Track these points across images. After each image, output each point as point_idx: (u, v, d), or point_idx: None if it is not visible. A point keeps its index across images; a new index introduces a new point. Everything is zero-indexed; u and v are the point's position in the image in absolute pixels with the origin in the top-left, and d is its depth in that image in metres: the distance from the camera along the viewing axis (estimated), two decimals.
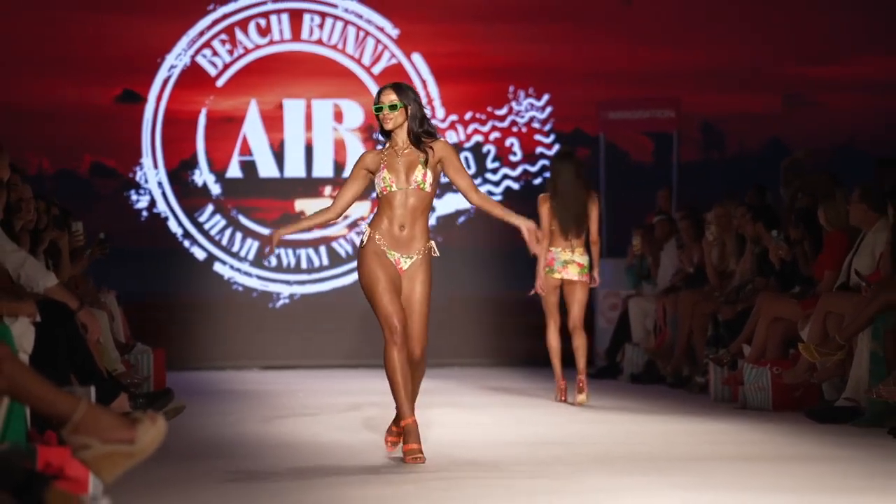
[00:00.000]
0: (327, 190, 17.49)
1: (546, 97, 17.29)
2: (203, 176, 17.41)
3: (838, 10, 17.49)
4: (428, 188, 8.48)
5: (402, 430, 8.48)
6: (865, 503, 6.94)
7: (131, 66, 17.15)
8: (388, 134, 8.62)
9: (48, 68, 17.06)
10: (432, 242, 8.61)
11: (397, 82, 8.76)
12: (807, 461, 8.63)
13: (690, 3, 17.17)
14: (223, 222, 17.44)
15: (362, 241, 8.53)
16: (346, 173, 17.10)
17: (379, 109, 8.58)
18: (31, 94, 17.03)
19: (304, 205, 17.47)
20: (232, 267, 17.45)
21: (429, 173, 8.48)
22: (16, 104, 16.77)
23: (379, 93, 8.68)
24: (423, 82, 17.39)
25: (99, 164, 17.36)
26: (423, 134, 8.53)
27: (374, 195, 8.65)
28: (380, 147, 8.78)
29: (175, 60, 17.35)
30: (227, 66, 17.39)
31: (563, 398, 12.70)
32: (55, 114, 17.04)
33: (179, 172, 17.37)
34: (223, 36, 17.38)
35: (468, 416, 11.57)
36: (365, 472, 8.10)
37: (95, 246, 12.40)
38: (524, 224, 8.43)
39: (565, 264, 12.54)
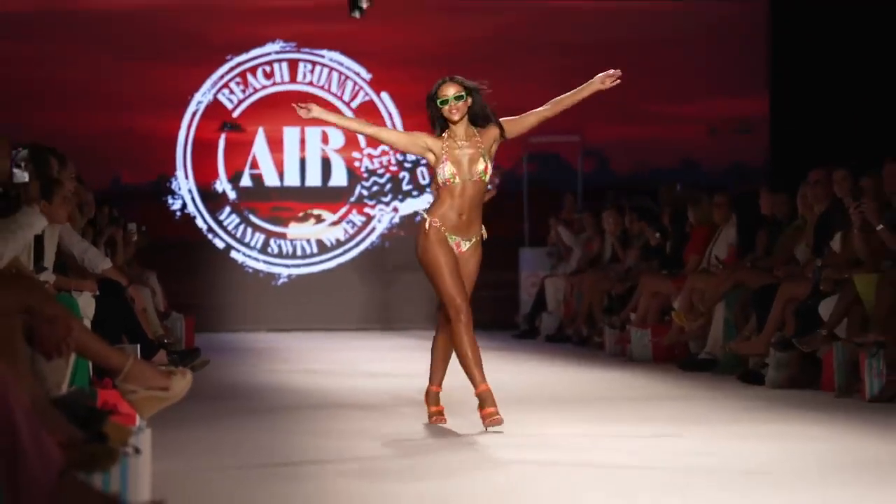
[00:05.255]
0: (335, 198, 17.47)
1: None
2: (222, 185, 17.37)
3: (702, 59, 17.57)
4: (486, 179, 7.07)
5: (478, 397, 6.95)
6: (720, 430, 7.01)
7: (166, 102, 17.12)
8: (443, 127, 7.12)
9: (104, 104, 17.01)
10: (483, 227, 7.20)
11: (453, 76, 7.19)
12: (677, 399, 8.71)
13: (590, 55, 17.21)
14: (237, 220, 17.41)
15: (423, 227, 7.09)
16: (333, 181, 17.36)
17: (445, 102, 7.03)
18: (95, 123, 16.98)
19: (301, 206, 17.46)
20: (244, 254, 17.42)
21: (489, 165, 7.07)
22: (77, 132, 16.69)
23: (439, 86, 7.09)
24: (390, 114, 17.41)
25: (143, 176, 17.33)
26: (490, 116, 7.14)
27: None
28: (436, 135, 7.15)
29: (201, 97, 17.31)
30: (240, 102, 17.36)
31: None
32: (112, 137, 17.01)
33: (204, 182, 17.34)
34: (238, 79, 17.35)
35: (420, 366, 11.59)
36: (339, 407, 8.14)
37: (138, 235, 12.40)
38: (598, 80, 7.38)
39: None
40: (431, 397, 7.41)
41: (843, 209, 9.54)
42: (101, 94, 17.00)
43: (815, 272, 9.42)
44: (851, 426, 7.11)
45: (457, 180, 7.01)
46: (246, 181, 17.38)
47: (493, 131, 7.14)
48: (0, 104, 16.13)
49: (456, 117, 7.04)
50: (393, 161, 17.42)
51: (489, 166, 7.06)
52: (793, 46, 17.15)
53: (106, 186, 16.31)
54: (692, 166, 17.54)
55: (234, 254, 17.41)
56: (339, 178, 17.50)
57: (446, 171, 7.01)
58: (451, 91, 7.05)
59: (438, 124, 7.12)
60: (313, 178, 17.49)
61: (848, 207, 9.17)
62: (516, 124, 7.24)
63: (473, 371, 6.97)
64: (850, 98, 16.75)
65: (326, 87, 17.41)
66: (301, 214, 17.51)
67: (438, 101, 7.05)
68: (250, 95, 17.34)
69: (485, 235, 7.20)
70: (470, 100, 7.08)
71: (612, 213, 14.33)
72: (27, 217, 7.08)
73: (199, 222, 17.33)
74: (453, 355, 7.26)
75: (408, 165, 17.45)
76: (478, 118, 7.12)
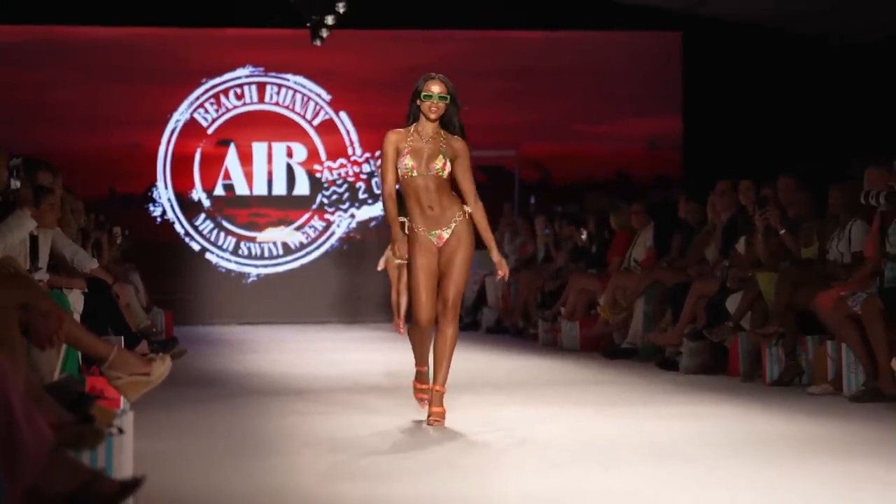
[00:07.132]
0: (299, 205, 17.40)
1: None
2: (198, 194, 17.28)
3: (618, 83, 17.65)
4: (445, 175, 6.29)
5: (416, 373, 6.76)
6: (640, 410, 7.06)
7: (149, 120, 17.02)
8: (414, 119, 6.39)
9: (98, 123, 16.89)
10: (466, 207, 6.40)
11: (443, 76, 6.43)
12: (602, 384, 8.74)
13: (530, 80, 17.26)
14: (211, 225, 17.31)
15: (408, 229, 6.40)
16: (297, 191, 17.30)
17: (428, 97, 6.31)
18: (91, 140, 16.86)
19: (266, 211, 17.38)
20: (217, 255, 17.32)
21: (448, 163, 6.27)
22: (75, 148, 16.58)
23: (427, 80, 6.36)
24: (347, 131, 17.38)
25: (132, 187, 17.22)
26: (460, 129, 6.42)
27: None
28: (403, 128, 6.41)
29: (179, 116, 17.20)
30: (214, 120, 17.25)
31: (402, 330, 12.34)
32: (107, 152, 16.91)
33: (182, 191, 17.24)
34: (212, 100, 17.26)
35: (376, 355, 11.57)
36: (303, 392, 8.12)
37: (122, 238, 12.31)
38: (496, 260, 6.66)
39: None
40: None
41: (747, 215, 9.63)
42: (98, 114, 16.89)
43: (722, 271, 9.50)
44: (754, 406, 7.17)
45: (414, 174, 6.25)
46: (219, 190, 17.30)
47: (457, 144, 6.39)
48: (6, 125, 15.98)
49: (433, 116, 6.32)
50: (350, 172, 17.40)
51: (447, 164, 6.29)
52: (703, 73, 17.35)
53: (104, 195, 16.33)
54: (623, 178, 17.60)
55: (208, 255, 17.32)
56: (302, 187, 17.45)
57: (406, 163, 6.27)
58: (436, 89, 6.34)
59: (413, 116, 6.41)
60: (279, 188, 17.43)
61: (753, 214, 9.26)
62: (462, 171, 6.39)
63: (416, 356, 6.84)
64: (753, 118, 17.03)
65: (291, 106, 17.34)
66: (277, 220, 17.48)
67: (422, 95, 6.32)
68: (223, 114, 17.25)
69: (467, 213, 6.38)
70: (448, 106, 6.38)
71: (544, 219, 14.40)
72: (17, 220, 7.08)
73: (178, 227, 17.23)
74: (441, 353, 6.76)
75: (364, 176, 17.43)
76: (450, 124, 6.40)
